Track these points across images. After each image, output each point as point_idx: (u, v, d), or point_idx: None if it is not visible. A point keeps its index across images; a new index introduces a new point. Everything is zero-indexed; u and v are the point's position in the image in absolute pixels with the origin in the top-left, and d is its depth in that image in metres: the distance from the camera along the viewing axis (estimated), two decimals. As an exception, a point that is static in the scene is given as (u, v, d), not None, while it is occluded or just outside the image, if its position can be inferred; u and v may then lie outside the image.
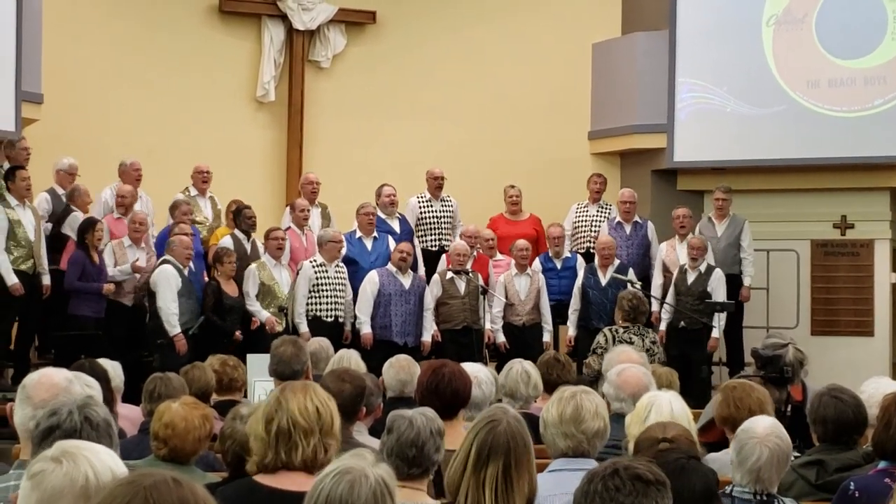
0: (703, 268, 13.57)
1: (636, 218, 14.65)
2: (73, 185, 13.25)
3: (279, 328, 12.63)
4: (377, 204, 14.14)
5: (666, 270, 14.05)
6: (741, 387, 6.30)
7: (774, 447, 5.01)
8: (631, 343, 10.72)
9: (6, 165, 12.64)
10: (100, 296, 12.36)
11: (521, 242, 13.87)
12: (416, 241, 14.32)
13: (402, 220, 14.36)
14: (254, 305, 12.85)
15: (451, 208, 14.87)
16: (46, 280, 12.53)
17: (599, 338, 11.34)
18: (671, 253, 14.10)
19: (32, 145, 13.44)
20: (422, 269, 14.10)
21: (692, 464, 4.38)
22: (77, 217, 12.85)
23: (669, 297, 13.61)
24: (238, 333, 12.58)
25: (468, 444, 4.30)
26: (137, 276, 12.67)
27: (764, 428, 5.08)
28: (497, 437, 4.27)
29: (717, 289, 13.48)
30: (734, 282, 14.17)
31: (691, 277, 13.56)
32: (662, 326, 13.47)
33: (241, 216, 13.61)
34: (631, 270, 13.68)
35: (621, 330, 11.36)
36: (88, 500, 2.97)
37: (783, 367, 7.47)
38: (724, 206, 14.51)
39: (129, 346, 12.10)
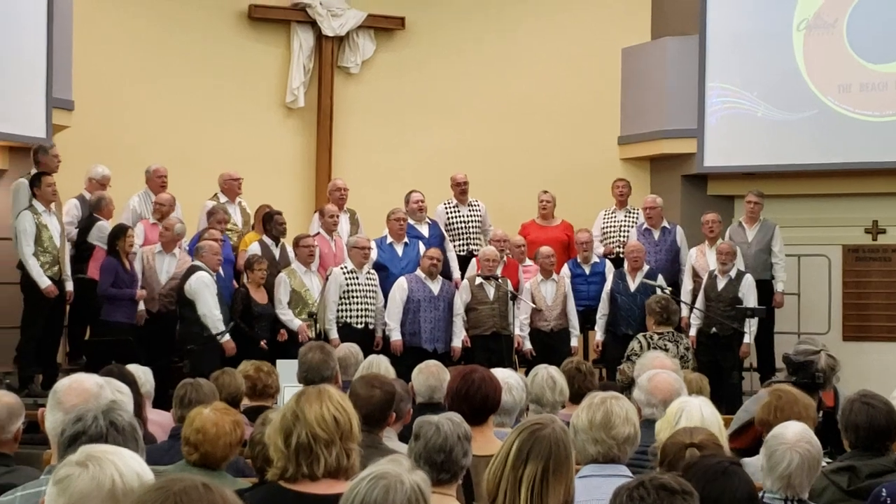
0: (733, 273, 13.52)
1: (664, 223, 14.60)
2: (100, 194, 13.24)
3: (311, 334, 12.64)
4: (406, 210, 14.14)
5: (696, 276, 14.00)
6: (788, 395, 6.26)
7: (805, 453, 4.98)
8: (666, 350, 10.66)
9: (33, 171, 12.68)
10: (133, 302, 12.40)
11: (546, 249, 13.86)
12: (449, 244, 14.33)
13: (433, 226, 14.34)
14: (286, 314, 12.86)
15: (479, 213, 14.87)
16: (70, 286, 12.59)
17: (633, 344, 11.28)
18: (701, 258, 14.05)
19: (63, 152, 13.46)
20: (457, 273, 14.11)
21: (735, 469, 4.35)
22: (103, 226, 12.88)
23: (699, 303, 13.56)
24: (263, 343, 12.59)
25: (509, 443, 4.28)
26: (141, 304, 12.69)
27: (794, 434, 5.05)
28: (540, 440, 4.24)
29: (748, 294, 13.43)
30: (765, 287, 14.11)
31: (721, 283, 13.51)
32: (692, 332, 13.40)
33: (272, 222, 13.62)
34: (660, 276, 13.65)
35: (656, 336, 11.29)
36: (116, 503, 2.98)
37: (814, 374, 7.43)
38: (755, 211, 14.44)
39: (160, 352, 12.11)
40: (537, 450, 4.23)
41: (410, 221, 14.10)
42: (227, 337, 12.10)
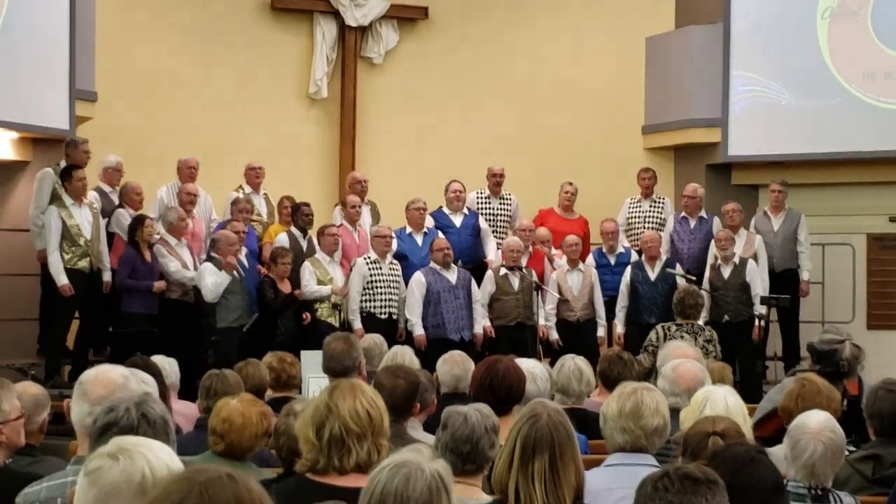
0: (736, 260, 13.46)
1: (702, 213, 14.54)
2: (125, 182, 13.31)
3: (335, 323, 12.66)
4: (445, 199, 14.16)
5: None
6: (812, 384, 6.25)
7: (828, 441, 4.98)
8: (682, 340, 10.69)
9: (62, 164, 12.71)
10: (151, 293, 12.43)
11: (572, 238, 13.84)
12: (488, 232, 14.33)
13: (469, 216, 14.32)
14: (314, 288, 12.91)
15: (509, 206, 14.84)
16: (107, 276, 12.64)
17: (651, 335, 11.31)
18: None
19: (85, 143, 13.53)
20: (491, 255, 14.11)
21: (762, 457, 4.34)
22: (122, 214, 12.92)
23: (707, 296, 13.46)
24: (306, 316, 12.85)
25: (512, 440, 4.30)
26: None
27: (817, 423, 5.04)
28: (540, 430, 4.26)
29: (755, 280, 13.39)
30: (791, 276, 14.08)
31: (727, 272, 13.46)
32: (700, 322, 13.22)
33: (298, 213, 13.66)
34: (678, 265, 13.62)
35: (674, 327, 11.31)
36: (146, 496, 2.98)
37: (839, 362, 7.42)
38: (779, 200, 14.40)
39: (185, 343, 12.14)
40: (541, 442, 4.25)
41: (445, 210, 14.14)
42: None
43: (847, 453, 6.07)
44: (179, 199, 13.43)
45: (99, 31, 14.25)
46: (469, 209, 14.41)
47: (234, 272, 12.42)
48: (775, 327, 14.03)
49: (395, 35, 16.68)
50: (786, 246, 14.18)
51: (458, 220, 14.24)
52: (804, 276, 14.27)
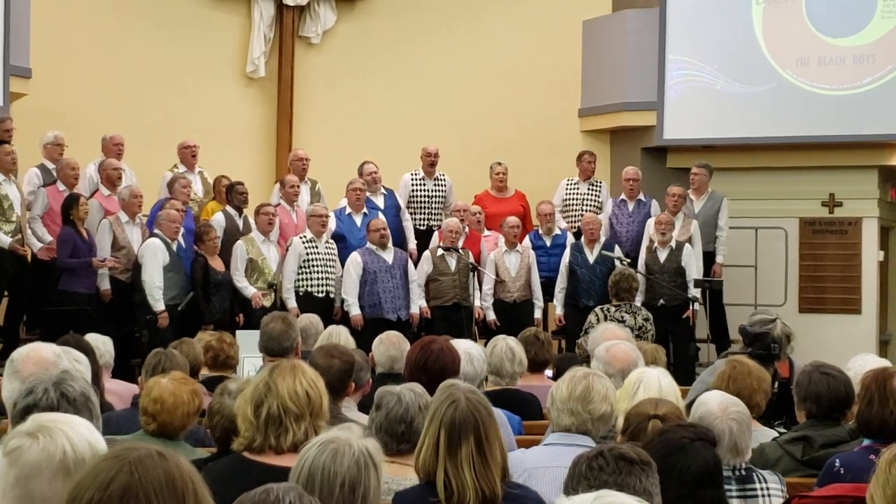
0: (673, 244, 13.54)
1: (640, 196, 14.60)
2: (61, 159, 13.14)
3: (266, 303, 12.65)
4: (361, 181, 14.14)
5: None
6: (742, 366, 6.28)
7: (737, 415, 4.97)
8: (623, 321, 10.75)
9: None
10: (91, 270, 12.30)
11: (512, 219, 13.86)
12: (406, 214, 14.33)
13: (388, 195, 14.30)
14: (241, 281, 12.85)
15: (443, 188, 14.83)
16: (36, 247, 12.48)
17: (591, 317, 11.36)
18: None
19: (21, 120, 13.35)
20: (412, 244, 14.13)
21: (696, 445, 4.30)
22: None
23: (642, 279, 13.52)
24: (241, 317, 12.71)
25: (436, 427, 4.28)
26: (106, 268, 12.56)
27: (718, 404, 5.01)
28: (462, 413, 4.26)
29: (690, 264, 13.46)
30: (711, 259, 14.22)
31: (663, 255, 13.53)
32: (637, 302, 13.28)
33: (233, 192, 13.59)
34: (617, 248, 13.68)
35: (612, 309, 11.39)
36: (68, 474, 2.96)
37: (770, 344, 7.47)
38: (696, 182, 14.50)
39: (120, 321, 12.06)
40: (465, 426, 4.24)
41: (366, 193, 14.10)
42: (164, 310, 12.05)
43: (777, 435, 6.15)
44: (104, 175, 13.26)
45: (34, 7, 14.10)
46: (386, 188, 14.38)
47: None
48: (703, 310, 14.13)
49: (333, 15, 16.64)
50: (705, 229, 14.23)
51: (380, 202, 14.20)
52: (718, 258, 14.39)
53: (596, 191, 14.97)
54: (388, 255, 13.16)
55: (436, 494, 4.21)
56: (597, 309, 11.56)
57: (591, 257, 13.56)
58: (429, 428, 4.32)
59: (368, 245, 13.18)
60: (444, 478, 4.20)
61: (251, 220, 13.36)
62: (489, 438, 4.26)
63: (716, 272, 14.34)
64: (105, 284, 12.44)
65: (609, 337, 7.36)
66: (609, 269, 12.89)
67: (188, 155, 14.17)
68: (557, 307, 13.80)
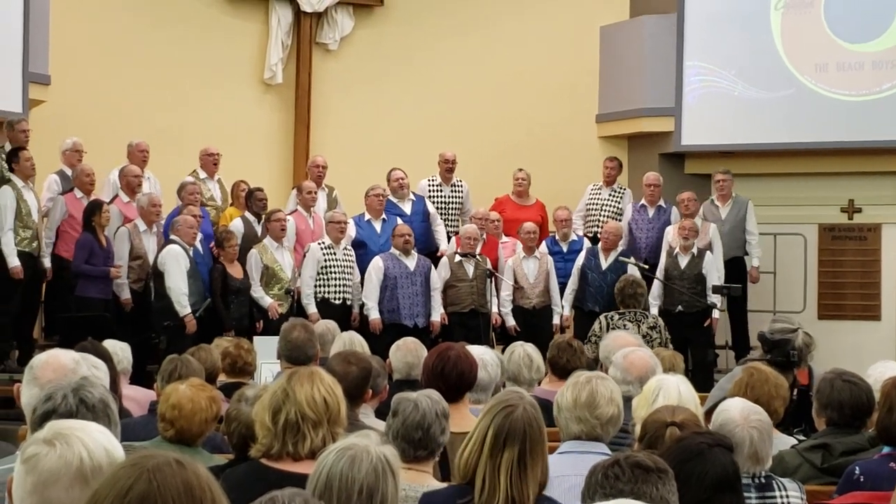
0: (695, 251, 13.50)
1: (661, 202, 14.59)
2: (78, 165, 13.15)
3: (282, 310, 12.66)
4: (388, 188, 14.14)
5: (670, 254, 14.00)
6: (760, 373, 6.26)
7: (758, 423, 4.94)
8: (625, 329, 10.72)
9: (7, 146, 12.60)
10: (107, 279, 12.32)
11: (529, 225, 13.84)
12: (437, 218, 14.38)
13: (417, 202, 14.33)
14: (257, 292, 12.86)
15: (460, 194, 14.87)
16: (47, 263, 12.52)
17: (595, 325, 11.38)
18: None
19: (40, 127, 13.39)
20: (444, 244, 14.17)
21: (714, 451, 4.25)
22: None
23: (658, 284, 13.48)
24: (260, 324, 12.70)
25: (484, 427, 4.30)
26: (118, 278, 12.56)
27: (739, 411, 4.98)
28: (514, 422, 4.27)
29: (711, 271, 13.42)
30: (739, 265, 14.17)
31: (684, 261, 13.48)
32: (654, 310, 13.12)
33: (252, 198, 13.61)
34: (632, 255, 13.67)
35: (616, 316, 11.39)
36: (85, 481, 2.96)
37: (790, 352, 7.45)
38: (724, 188, 14.47)
39: (137, 328, 12.07)
40: (513, 434, 4.25)
41: (392, 199, 14.09)
42: (191, 315, 12.05)
43: (796, 442, 6.12)
44: (124, 181, 13.28)
45: (53, 14, 14.15)
46: (415, 194, 14.40)
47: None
48: (725, 316, 14.08)
49: (351, 21, 16.65)
50: (733, 234, 14.23)
51: (407, 208, 14.22)
52: (754, 262, 14.36)
53: (618, 197, 14.95)
54: (411, 262, 13.17)
55: (463, 497, 4.23)
56: (601, 317, 11.59)
57: (605, 264, 13.54)
58: (478, 425, 4.33)
59: (392, 250, 13.21)
60: (482, 481, 4.21)
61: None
62: (533, 453, 4.26)
63: (753, 276, 14.34)
64: (125, 294, 12.48)
65: (622, 344, 7.33)
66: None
67: (210, 162, 14.14)
68: (565, 308, 13.79)
